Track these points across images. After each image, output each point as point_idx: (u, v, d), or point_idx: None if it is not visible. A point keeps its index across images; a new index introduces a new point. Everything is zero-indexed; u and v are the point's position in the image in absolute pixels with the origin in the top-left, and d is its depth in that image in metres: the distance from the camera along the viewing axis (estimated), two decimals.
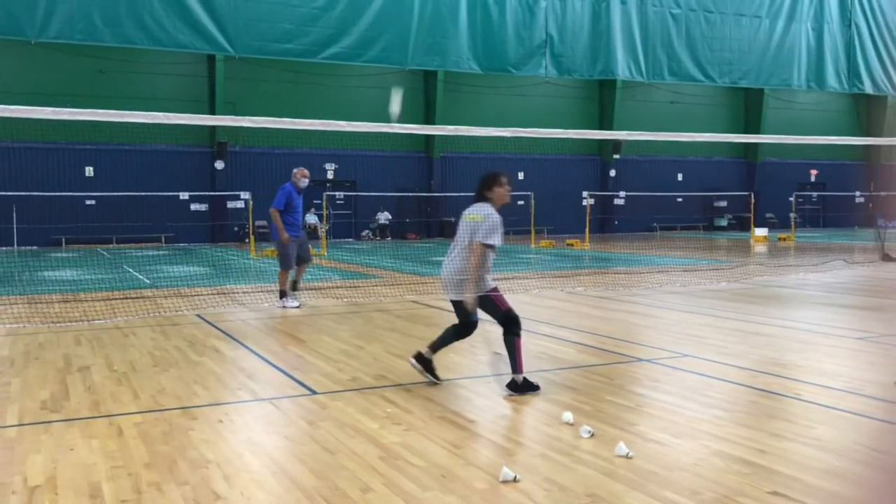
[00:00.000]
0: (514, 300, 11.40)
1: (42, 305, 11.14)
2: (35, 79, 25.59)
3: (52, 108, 7.81)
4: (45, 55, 25.38)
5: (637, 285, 13.47)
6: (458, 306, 6.01)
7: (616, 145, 34.72)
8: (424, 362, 6.18)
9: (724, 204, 37.38)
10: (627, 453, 4.43)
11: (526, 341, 8.19)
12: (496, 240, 5.86)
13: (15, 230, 25.43)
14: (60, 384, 6.33)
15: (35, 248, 25.41)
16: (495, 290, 6.00)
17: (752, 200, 30.48)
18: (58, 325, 9.29)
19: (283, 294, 10.95)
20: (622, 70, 31.75)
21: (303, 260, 11.17)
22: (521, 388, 5.88)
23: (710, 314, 10.02)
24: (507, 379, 5.94)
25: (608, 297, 11.95)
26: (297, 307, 10.81)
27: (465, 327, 6.15)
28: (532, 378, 5.96)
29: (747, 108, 38.00)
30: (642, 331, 9.05)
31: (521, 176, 33.90)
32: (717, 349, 7.64)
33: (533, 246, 25.12)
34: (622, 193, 34.36)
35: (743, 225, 35.01)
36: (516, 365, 5.89)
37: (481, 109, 31.66)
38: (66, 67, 25.98)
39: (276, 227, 10.81)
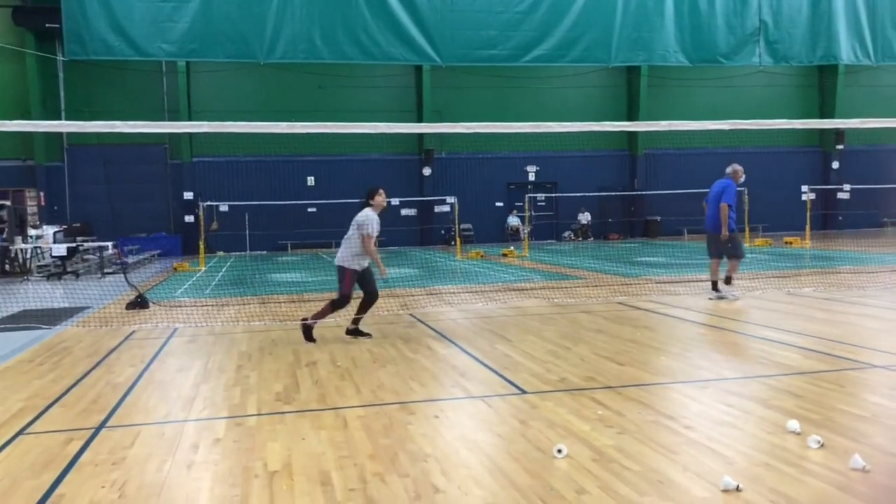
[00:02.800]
0: (736, 303, 10.94)
1: (272, 305, 12.12)
2: (263, 97, 28.04)
3: (286, 123, 8.48)
4: (271, 75, 27.64)
5: (867, 286, 12.39)
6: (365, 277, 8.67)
7: (839, 135, 32.14)
8: (354, 332, 8.71)
9: None
10: (864, 466, 4.09)
11: (745, 345, 7.85)
12: (372, 230, 8.52)
13: (247, 236, 27.96)
14: (291, 378, 6.85)
15: (264, 252, 27.75)
16: (355, 271, 8.55)
17: None
18: (286, 322, 10.06)
19: (729, 280, 11.46)
20: (846, 54, 29.25)
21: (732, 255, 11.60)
22: (306, 332, 8.50)
23: None
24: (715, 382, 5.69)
25: (834, 298, 11.09)
26: (736, 298, 11.28)
27: (367, 297, 8.77)
28: (752, 384, 5.65)
29: None
30: (875, 335, 8.31)
31: None
32: None
33: (747, 244, 23.81)
34: (847, 187, 31.67)
35: None
36: (318, 315, 8.56)
37: (688, 103, 30.55)
38: (289, 85, 28.17)
39: (722, 221, 11.26)
